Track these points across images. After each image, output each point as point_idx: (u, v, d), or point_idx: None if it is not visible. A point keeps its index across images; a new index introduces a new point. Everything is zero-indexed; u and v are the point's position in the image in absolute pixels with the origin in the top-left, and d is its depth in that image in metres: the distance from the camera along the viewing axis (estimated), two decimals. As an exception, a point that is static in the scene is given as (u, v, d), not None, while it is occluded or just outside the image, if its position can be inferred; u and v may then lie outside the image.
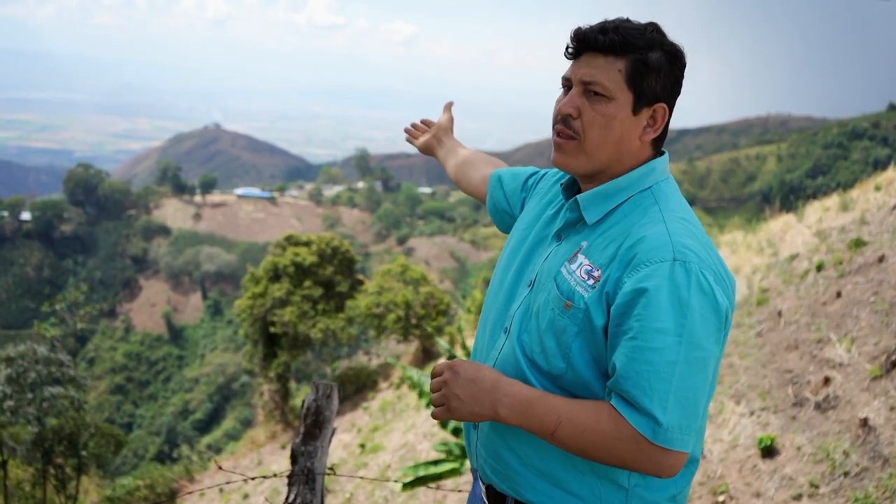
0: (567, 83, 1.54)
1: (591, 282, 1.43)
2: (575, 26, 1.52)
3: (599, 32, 1.47)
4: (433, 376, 1.53)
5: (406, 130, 2.39)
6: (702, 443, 1.55)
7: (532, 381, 1.50)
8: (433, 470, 5.68)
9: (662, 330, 1.31)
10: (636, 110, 1.47)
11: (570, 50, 1.52)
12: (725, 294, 1.38)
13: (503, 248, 1.80)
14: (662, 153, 1.57)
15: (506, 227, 1.97)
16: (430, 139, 2.30)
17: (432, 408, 1.56)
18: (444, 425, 5.78)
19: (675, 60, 1.48)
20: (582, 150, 1.50)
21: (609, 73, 1.45)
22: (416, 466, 5.95)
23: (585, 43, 1.49)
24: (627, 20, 1.49)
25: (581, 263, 1.47)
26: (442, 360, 1.73)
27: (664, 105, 1.49)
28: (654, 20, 1.51)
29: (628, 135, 1.49)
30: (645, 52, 1.45)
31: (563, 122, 1.51)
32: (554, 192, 1.75)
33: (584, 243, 1.50)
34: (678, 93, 1.51)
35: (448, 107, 2.33)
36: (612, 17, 1.51)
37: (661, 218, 1.43)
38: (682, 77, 1.51)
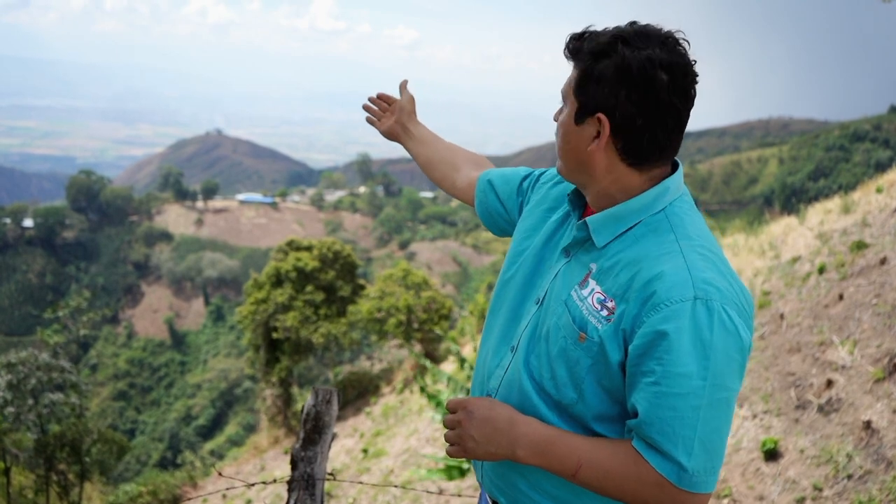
0: None
1: (605, 313, 1.38)
2: (559, 35, 1.49)
3: (570, 39, 1.44)
4: (447, 411, 1.51)
5: (365, 108, 2.26)
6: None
7: (541, 409, 1.46)
8: (438, 474, 5.69)
9: (686, 374, 1.27)
10: (577, 119, 1.42)
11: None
12: (748, 326, 1.33)
13: (506, 255, 1.74)
14: (675, 167, 1.48)
15: (500, 231, 1.93)
16: (394, 125, 2.18)
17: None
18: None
19: (624, 72, 1.35)
20: (559, 159, 1.52)
21: (568, 80, 1.44)
22: (420, 470, 5.96)
23: (566, 48, 1.47)
24: (616, 27, 1.42)
25: (593, 290, 1.42)
26: (454, 397, 1.70)
27: (603, 115, 1.38)
28: (654, 22, 1.44)
29: (577, 146, 1.43)
30: (592, 60, 1.38)
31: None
32: (554, 197, 1.69)
33: (594, 266, 1.45)
34: (640, 108, 1.36)
35: (403, 85, 2.19)
36: (612, 21, 1.45)
37: (679, 249, 1.36)
38: (635, 91, 1.35)
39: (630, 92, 1.35)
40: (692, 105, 1.40)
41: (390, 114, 2.20)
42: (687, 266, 1.32)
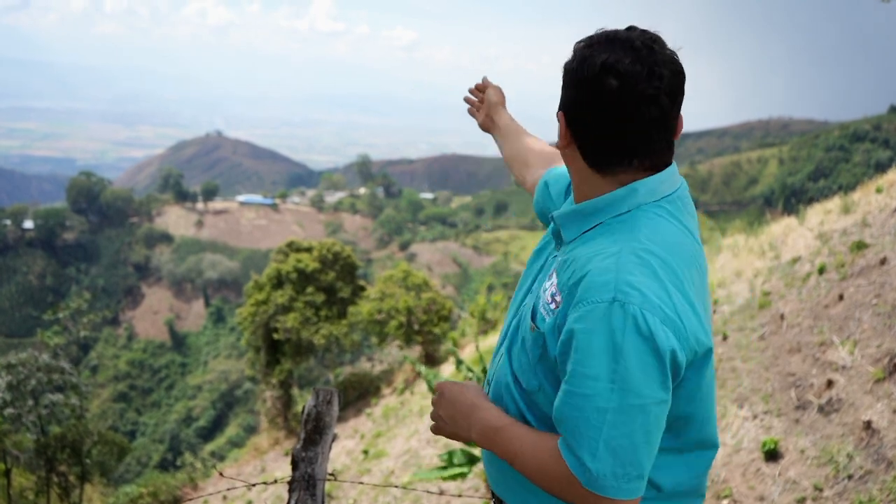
0: None
1: (552, 306, 1.40)
2: (575, 33, 1.48)
3: None
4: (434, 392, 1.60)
5: (465, 100, 2.28)
6: (698, 481, 1.52)
7: (515, 395, 1.50)
8: (438, 475, 5.69)
9: (593, 376, 1.26)
10: (558, 115, 1.45)
11: None
12: (677, 335, 1.28)
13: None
14: (654, 173, 1.43)
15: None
16: (485, 119, 2.21)
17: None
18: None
19: (571, 74, 1.39)
20: None
21: None
22: (421, 472, 5.96)
23: None
24: (610, 30, 1.43)
25: (552, 282, 1.44)
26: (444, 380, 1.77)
27: (561, 112, 1.42)
28: (655, 24, 1.43)
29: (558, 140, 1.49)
30: (567, 62, 1.42)
31: None
32: None
33: (560, 259, 1.47)
34: (590, 112, 1.37)
35: (485, 81, 2.24)
36: (612, 23, 1.41)
37: (618, 250, 1.34)
38: (585, 95, 1.37)
39: (578, 95, 1.37)
40: (655, 111, 1.34)
41: (483, 106, 2.23)
42: (616, 268, 1.30)
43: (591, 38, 1.40)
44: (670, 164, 1.45)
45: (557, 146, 1.48)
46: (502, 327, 1.72)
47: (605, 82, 1.32)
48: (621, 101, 1.32)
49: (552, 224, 1.55)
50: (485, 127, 2.22)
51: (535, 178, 2.00)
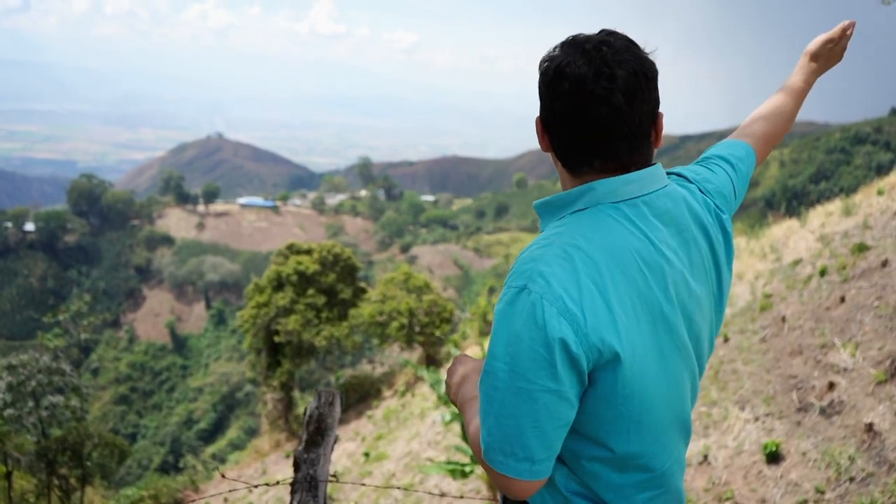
0: None
1: None
2: (575, 33, 1.50)
3: None
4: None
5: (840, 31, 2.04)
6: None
7: None
8: (444, 467, 5.72)
9: (494, 355, 1.33)
10: (536, 121, 1.49)
11: None
12: (574, 328, 1.29)
13: None
14: (624, 172, 1.43)
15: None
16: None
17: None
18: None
19: (540, 77, 1.43)
20: None
21: None
22: (427, 466, 5.99)
23: None
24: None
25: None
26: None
27: (537, 118, 1.47)
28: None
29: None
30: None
31: None
32: None
33: None
34: (553, 113, 1.41)
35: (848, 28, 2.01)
36: (611, 23, 1.44)
37: (549, 242, 1.38)
38: (547, 98, 1.41)
39: (543, 100, 1.43)
40: (605, 110, 1.34)
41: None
42: (538, 258, 1.35)
43: (557, 44, 1.44)
44: (644, 166, 1.44)
45: (542, 150, 1.53)
46: None
47: (560, 85, 1.37)
48: (574, 102, 1.36)
49: None
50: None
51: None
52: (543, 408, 1.31)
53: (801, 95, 2.01)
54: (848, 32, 1.98)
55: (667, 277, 1.41)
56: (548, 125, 1.44)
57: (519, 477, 1.34)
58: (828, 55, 2.00)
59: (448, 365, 1.78)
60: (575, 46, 1.39)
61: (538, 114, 1.47)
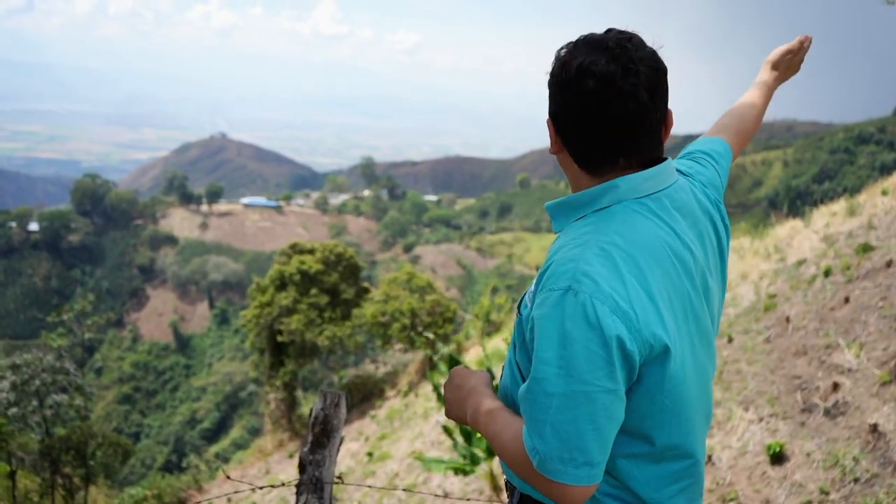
0: None
1: (532, 294, 1.44)
2: (577, 33, 1.50)
3: None
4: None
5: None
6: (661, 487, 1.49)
7: (519, 382, 1.52)
8: (445, 465, 5.73)
9: (544, 360, 1.30)
10: (547, 123, 1.49)
11: None
12: (627, 325, 1.29)
13: None
14: (642, 170, 1.45)
15: None
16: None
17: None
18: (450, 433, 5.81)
19: (554, 78, 1.43)
20: None
21: None
22: (429, 462, 6.00)
23: None
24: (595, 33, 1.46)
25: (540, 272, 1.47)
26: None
27: (549, 119, 1.47)
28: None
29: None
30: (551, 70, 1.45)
31: None
32: None
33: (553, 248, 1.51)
34: (572, 113, 1.41)
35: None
36: (612, 24, 1.47)
37: (584, 242, 1.38)
38: (567, 97, 1.41)
39: (562, 98, 1.42)
40: (633, 106, 1.37)
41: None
42: (578, 258, 1.34)
43: (569, 43, 1.44)
44: (661, 161, 1.47)
45: (551, 152, 1.51)
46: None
47: (584, 84, 1.37)
48: (600, 100, 1.36)
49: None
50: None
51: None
52: (602, 409, 1.30)
53: (768, 98, 2.06)
54: (805, 45, 2.03)
55: (693, 269, 1.46)
56: (563, 125, 1.44)
57: (578, 483, 1.31)
58: (787, 65, 2.07)
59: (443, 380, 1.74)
60: (595, 45, 1.39)
61: (548, 116, 1.47)
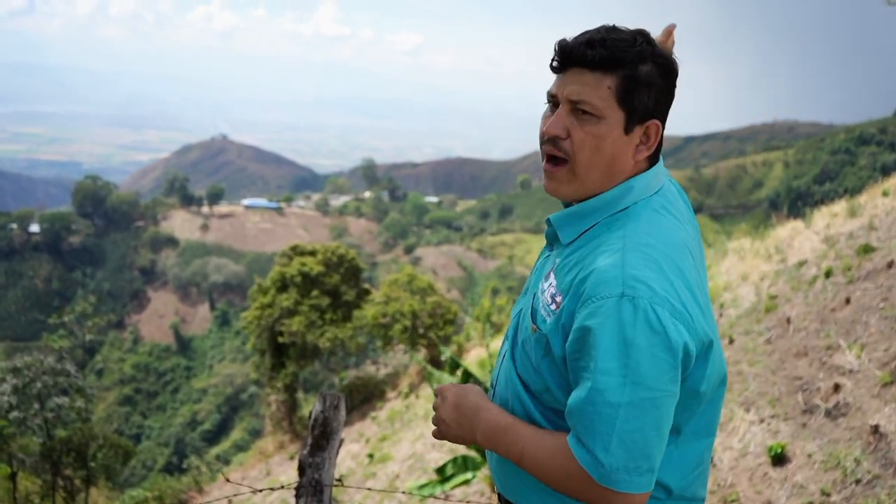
0: (553, 99, 1.45)
1: (553, 307, 1.40)
2: (560, 37, 1.42)
3: (586, 46, 1.37)
4: (435, 396, 1.58)
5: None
6: (700, 482, 1.52)
7: (524, 398, 1.49)
8: (442, 487, 5.64)
9: (606, 371, 1.26)
10: (628, 129, 1.40)
11: (554, 63, 1.43)
12: (687, 327, 1.29)
13: None
14: (649, 168, 1.48)
15: None
16: None
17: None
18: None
19: (667, 73, 1.39)
20: (574, 175, 1.43)
21: (598, 90, 1.37)
22: (424, 486, 5.91)
23: (571, 57, 1.39)
24: (614, 29, 1.40)
25: (550, 283, 1.44)
26: (444, 383, 1.80)
27: (657, 122, 1.41)
28: (656, 26, 1.43)
29: (621, 155, 1.41)
30: (635, 66, 1.36)
31: (552, 142, 1.43)
32: None
33: (558, 261, 1.47)
34: (671, 105, 1.44)
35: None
36: (612, 22, 1.44)
37: (621, 246, 1.35)
38: (674, 89, 1.42)
39: (672, 92, 1.42)
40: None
41: None
42: (622, 263, 1.31)
43: (640, 36, 1.39)
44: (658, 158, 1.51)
45: (646, 154, 1.45)
46: (506, 331, 1.72)
47: (675, 78, 1.42)
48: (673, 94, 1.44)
49: (548, 227, 1.55)
50: None
51: None
52: (665, 413, 1.30)
53: None
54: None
55: (702, 262, 1.49)
56: (663, 122, 1.44)
57: (640, 491, 1.30)
58: None
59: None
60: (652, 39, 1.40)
61: (649, 118, 1.41)
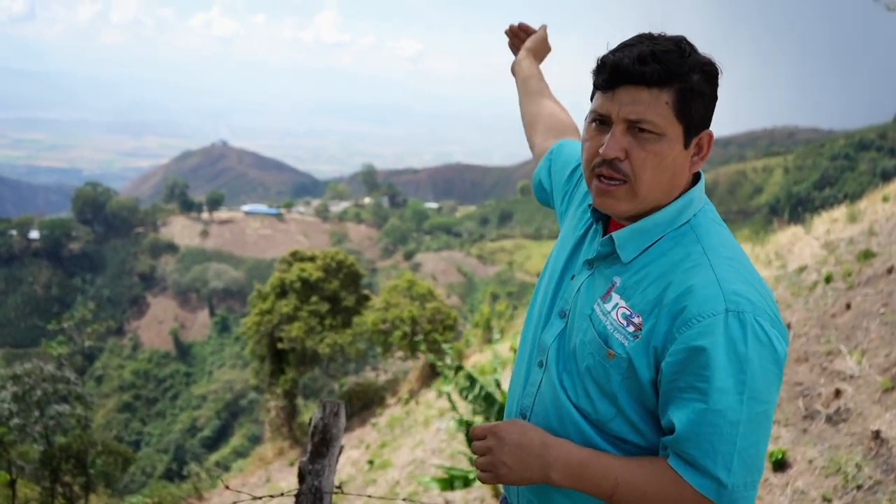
0: (602, 118, 1.39)
1: (631, 329, 1.35)
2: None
3: (640, 62, 1.32)
4: (474, 438, 1.46)
5: (508, 30, 2.30)
6: None
7: (582, 426, 1.44)
8: (446, 485, 5.64)
9: (723, 389, 1.24)
10: (687, 142, 1.37)
11: (601, 81, 1.37)
12: (783, 336, 1.30)
13: (547, 258, 1.71)
14: (696, 178, 1.46)
15: (544, 203, 1.94)
16: (514, 63, 2.24)
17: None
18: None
19: (713, 79, 1.37)
20: (634, 194, 1.38)
21: (657, 108, 1.33)
22: (430, 481, 5.92)
23: (623, 76, 1.33)
24: (656, 38, 1.36)
25: (617, 304, 1.39)
26: (481, 423, 1.69)
27: (710, 131, 1.40)
28: (656, 29, 1.40)
29: (681, 170, 1.39)
30: (689, 77, 1.33)
31: (609, 165, 1.37)
32: (586, 206, 1.62)
33: (617, 279, 1.42)
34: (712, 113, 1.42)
35: (542, 29, 2.26)
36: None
37: (707, 261, 1.33)
38: (715, 92, 1.40)
39: (713, 102, 1.40)
40: None
41: (522, 47, 2.26)
42: (717, 279, 1.30)
43: (686, 46, 1.36)
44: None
45: (699, 167, 1.44)
46: (522, 350, 1.65)
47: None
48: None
49: (598, 244, 1.49)
50: (512, 69, 2.24)
51: (542, 146, 1.96)
52: (770, 423, 1.30)
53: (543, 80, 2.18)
54: (546, 31, 2.24)
55: None
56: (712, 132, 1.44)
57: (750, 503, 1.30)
58: (544, 51, 2.24)
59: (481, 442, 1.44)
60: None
61: (705, 127, 1.41)
